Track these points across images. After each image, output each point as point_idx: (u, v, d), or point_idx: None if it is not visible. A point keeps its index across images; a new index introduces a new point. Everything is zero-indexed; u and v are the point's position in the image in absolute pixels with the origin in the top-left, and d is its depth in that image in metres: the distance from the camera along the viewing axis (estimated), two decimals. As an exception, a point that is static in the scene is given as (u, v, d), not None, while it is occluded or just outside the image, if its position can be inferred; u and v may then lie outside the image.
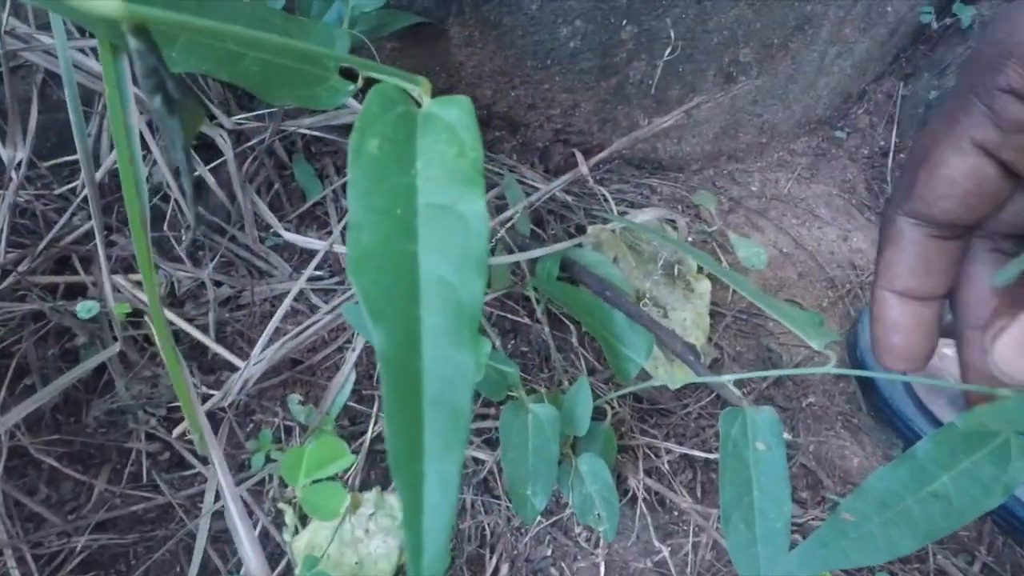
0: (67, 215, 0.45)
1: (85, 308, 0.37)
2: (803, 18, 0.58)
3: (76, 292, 0.45)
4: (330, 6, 0.39)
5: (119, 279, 0.45)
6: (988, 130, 0.22)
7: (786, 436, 0.47)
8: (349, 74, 0.27)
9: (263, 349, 0.40)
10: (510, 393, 0.36)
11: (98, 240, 0.35)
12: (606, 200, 0.56)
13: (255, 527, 0.39)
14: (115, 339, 0.40)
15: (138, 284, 0.46)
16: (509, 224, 0.45)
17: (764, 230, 0.63)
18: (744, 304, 0.56)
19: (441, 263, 0.14)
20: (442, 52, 0.52)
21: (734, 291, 0.56)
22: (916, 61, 0.70)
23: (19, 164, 0.43)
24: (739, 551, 0.29)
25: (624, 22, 0.50)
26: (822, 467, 0.49)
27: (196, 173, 0.48)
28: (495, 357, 0.33)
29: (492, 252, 0.45)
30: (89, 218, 0.48)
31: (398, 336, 0.12)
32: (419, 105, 0.20)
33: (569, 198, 0.56)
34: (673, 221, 0.55)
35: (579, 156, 0.50)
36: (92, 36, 0.43)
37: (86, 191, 0.45)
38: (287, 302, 0.41)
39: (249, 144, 0.50)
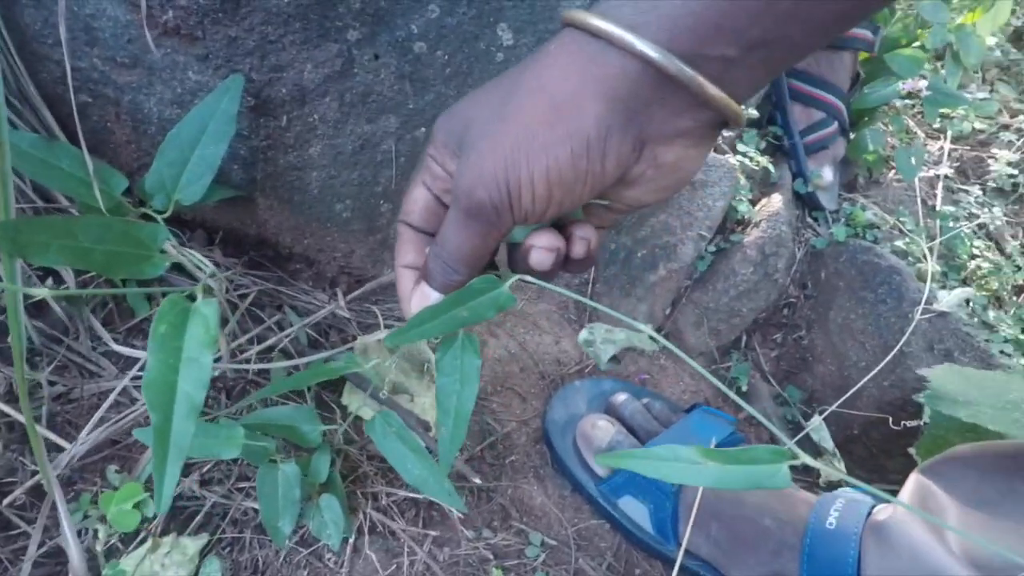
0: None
1: (-54, 406, 0.50)
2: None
3: (-78, 393, 0.56)
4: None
5: (-37, 381, 0.57)
6: (427, 176, 0.39)
7: (480, 482, 0.69)
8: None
9: (88, 433, 0.54)
10: (272, 459, 0.54)
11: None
12: (375, 316, 0.77)
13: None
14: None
15: (-20, 385, 0.58)
16: (290, 336, 0.65)
17: (499, 336, 0.88)
18: (473, 391, 0.79)
19: (188, 385, 0.34)
20: (252, 212, 0.72)
21: (465, 382, 0.79)
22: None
23: None
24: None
25: (382, 201, 0.73)
26: (513, 505, 0.71)
27: (38, 298, 0.62)
28: (253, 436, 0.51)
29: (272, 359, 0.64)
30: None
31: (165, 415, 0.32)
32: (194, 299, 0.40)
33: (350, 315, 0.77)
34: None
35: (339, 293, 0.72)
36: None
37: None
38: (113, 396, 0.56)
39: (89, 274, 0.65)
